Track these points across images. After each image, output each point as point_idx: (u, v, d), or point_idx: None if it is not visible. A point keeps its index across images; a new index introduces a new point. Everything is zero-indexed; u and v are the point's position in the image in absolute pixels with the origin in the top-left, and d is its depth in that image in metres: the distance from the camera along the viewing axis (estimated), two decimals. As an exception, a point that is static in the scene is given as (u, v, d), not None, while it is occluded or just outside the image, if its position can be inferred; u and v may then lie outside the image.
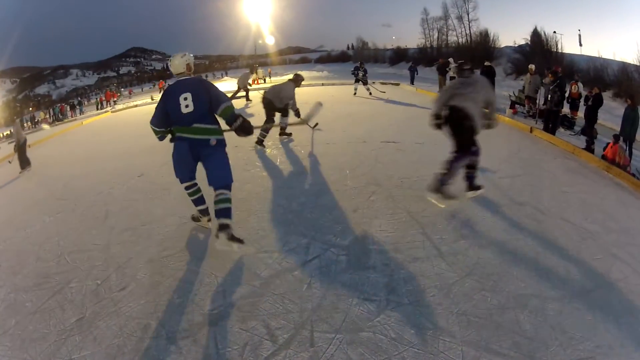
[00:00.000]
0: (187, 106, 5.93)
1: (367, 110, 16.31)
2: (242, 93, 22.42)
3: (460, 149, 7.14)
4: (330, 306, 4.79)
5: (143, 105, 27.52)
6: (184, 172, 6.62)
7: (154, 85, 42.44)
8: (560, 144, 11.15)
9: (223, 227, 5.77)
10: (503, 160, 9.63)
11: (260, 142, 11.63)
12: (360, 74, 21.94)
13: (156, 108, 6.38)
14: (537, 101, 14.67)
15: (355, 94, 22.10)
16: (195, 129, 6.06)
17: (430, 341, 4.21)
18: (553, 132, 12.77)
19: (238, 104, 20.98)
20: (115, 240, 6.94)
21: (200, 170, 6.47)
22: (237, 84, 22.75)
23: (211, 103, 5.99)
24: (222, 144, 6.39)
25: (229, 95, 19.77)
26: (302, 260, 5.73)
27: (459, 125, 7.08)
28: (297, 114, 12.23)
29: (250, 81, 23.51)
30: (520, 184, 8.21)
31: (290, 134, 12.53)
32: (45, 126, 26.19)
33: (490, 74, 17.23)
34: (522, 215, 6.85)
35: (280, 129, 12.31)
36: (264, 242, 6.30)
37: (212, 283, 5.38)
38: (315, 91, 23.78)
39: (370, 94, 21.53)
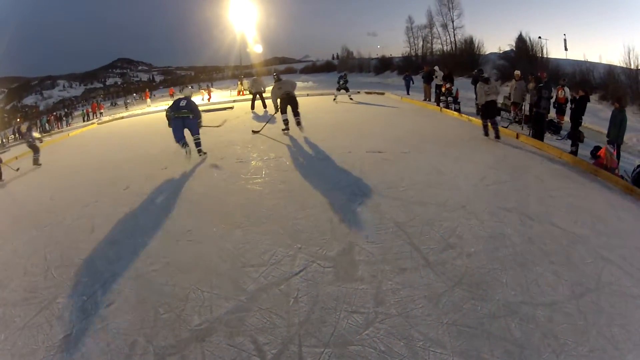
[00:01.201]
0: (182, 105, 11.73)
1: (353, 120, 16.16)
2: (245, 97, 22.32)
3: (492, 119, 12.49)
4: (318, 320, 4.73)
5: (129, 117, 27.26)
6: (180, 136, 11.64)
7: (140, 97, 42.13)
8: (547, 149, 11.13)
9: (199, 150, 12.06)
10: (489, 166, 9.60)
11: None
12: (342, 82, 22.56)
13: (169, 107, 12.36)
14: (523, 107, 14.67)
15: (335, 100, 22.57)
16: (183, 112, 11.67)
17: (421, 353, 4.18)
18: (541, 137, 12.77)
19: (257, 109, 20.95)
20: (101, 254, 6.82)
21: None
22: (250, 90, 22.36)
23: (193, 112, 11.94)
24: (196, 119, 12.04)
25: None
26: (288, 274, 5.66)
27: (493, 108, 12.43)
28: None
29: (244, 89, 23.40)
30: (507, 190, 8.19)
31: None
32: (37, 134, 25.88)
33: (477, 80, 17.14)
34: (510, 221, 6.83)
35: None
36: (249, 256, 6.21)
37: (199, 298, 5.30)
38: (300, 102, 23.52)
39: (351, 99, 22.25)
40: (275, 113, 14.55)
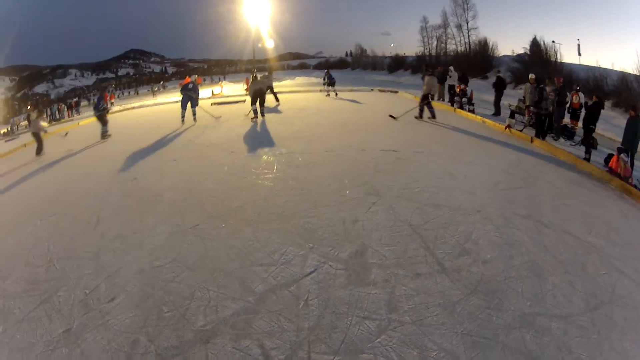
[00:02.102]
0: (190, 87, 17.30)
1: (366, 118, 15.92)
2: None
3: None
4: (328, 325, 4.60)
5: (140, 107, 27.23)
6: (184, 106, 17.15)
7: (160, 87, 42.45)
8: (561, 155, 10.94)
9: (194, 118, 17.39)
10: (503, 170, 9.45)
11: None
12: (326, 79, 24.43)
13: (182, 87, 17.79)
14: (549, 112, 14.38)
15: (328, 94, 24.09)
16: (190, 92, 17.09)
17: (434, 364, 4.01)
18: (543, 137, 12.74)
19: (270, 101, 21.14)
20: (106, 247, 6.70)
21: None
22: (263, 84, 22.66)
23: (195, 92, 17.53)
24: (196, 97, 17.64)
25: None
26: (299, 275, 5.51)
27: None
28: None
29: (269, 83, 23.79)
30: (522, 196, 8.01)
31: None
32: (44, 123, 25.96)
33: (500, 83, 17.30)
34: (526, 228, 6.67)
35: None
36: (259, 255, 6.06)
37: (205, 297, 5.17)
38: (313, 97, 23.63)
39: (336, 94, 23.61)
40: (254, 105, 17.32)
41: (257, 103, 17.11)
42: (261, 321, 4.69)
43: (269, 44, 36.94)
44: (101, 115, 16.73)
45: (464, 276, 5.37)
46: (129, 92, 42.28)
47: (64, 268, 6.20)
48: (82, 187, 10.08)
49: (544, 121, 13.15)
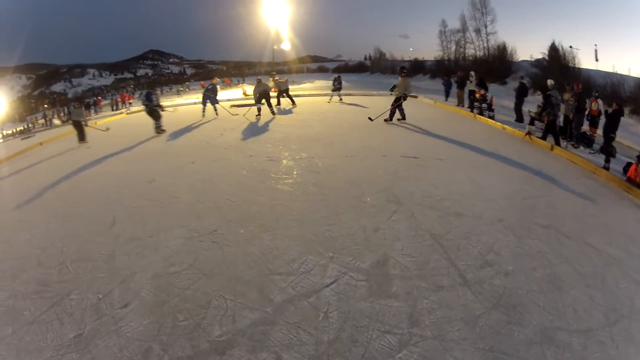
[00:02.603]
0: (209, 88, 20.63)
1: (384, 124, 15.84)
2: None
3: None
4: (348, 339, 4.47)
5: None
6: (205, 103, 20.26)
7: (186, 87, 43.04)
8: (581, 163, 10.83)
9: (216, 112, 20.31)
10: (525, 179, 9.32)
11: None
12: (336, 84, 23.66)
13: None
14: (557, 118, 14.26)
15: (329, 101, 23.96)
16: (209, 92, 20.35)
17: (456, 380, 3.91)
18: (557, 143, 12.63)
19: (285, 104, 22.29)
20: (121, 250, 6.63)
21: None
22: (277, 88, 23.64)
23: (214, 93, 20.56)
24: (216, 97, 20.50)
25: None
26: (318, 285, 5.39)
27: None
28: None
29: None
30: (543, 205, 7.87)
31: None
32: (57, 121, 26.25)
33: (523, 89, 17.25)
34: (547, 239, 6.54)
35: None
36: (278, 263, 5.95)
37: (221, 306, 5.05)
38: (334, 100, 23.61)
39: (340, 99, 23.66)
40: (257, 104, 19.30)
41: (263, 102, 19.16)
42: (279, 333, 4.57)
43: (288, 47, 37.17)
44: (153, 110, 16.87)
45: (486, 289, 5.26)
46: (178, 91, 42.58)
47: (77, 270, 6.13)
48: (97, 186, 10.07)
49: (553, 127, 13.02)
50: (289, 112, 19.33)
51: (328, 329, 4.59)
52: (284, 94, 22.91)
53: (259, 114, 18.97)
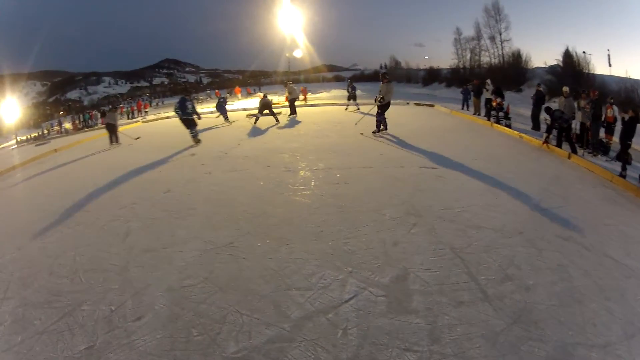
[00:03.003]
0: (220, 101, 22.68)
1: (403, 133, 15.90)
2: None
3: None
4: (367, 357, 4.35)
5: (175, 117, 27.52)
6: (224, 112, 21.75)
7: (202, 98, 43.71)
8: (598, 171, 10.69)
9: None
10: (543, 188, 9.15)
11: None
12: (352, 91, 23.83)
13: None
14: (574, 126, 14.16)
15: (346, 109, 24.03)
16: (221, 101, 22.82)
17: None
18: (574, 150, 12.52)
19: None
20: (134, 262, 6.58)
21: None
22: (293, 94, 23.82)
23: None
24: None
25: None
26: (337, 301, 5.26)
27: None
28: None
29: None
30: (562, 216, 7.70)
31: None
32: (68, 125, 26.69)
33: (540, 97, 17.03)
34: (567, 251, 6.39)
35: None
36: (296, 277, 5.84)
37: (237, 321, 4.95)
38: (351, 110, 23.59)
39: (357, 109, 23.10)
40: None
41: (266, 112, 20.86)
42: (296, 350, 4.45)
43: (300, 54, 37.44)
44: (189, 119, 16.14)
45: (506, 304, 5.13)
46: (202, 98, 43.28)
47: (90, 281, 6.09)
48: (112, 196, 10.07)
49: (567, 134, 13.00)
50: (305, 122, 19.25)
51: (347, 347, 4.48)
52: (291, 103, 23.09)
53: (256, 120, 20.78)
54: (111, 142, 18.53)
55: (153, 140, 17.94)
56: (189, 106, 15.89)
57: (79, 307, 5.43)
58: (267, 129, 18.34)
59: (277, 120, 20.61)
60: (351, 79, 25.82)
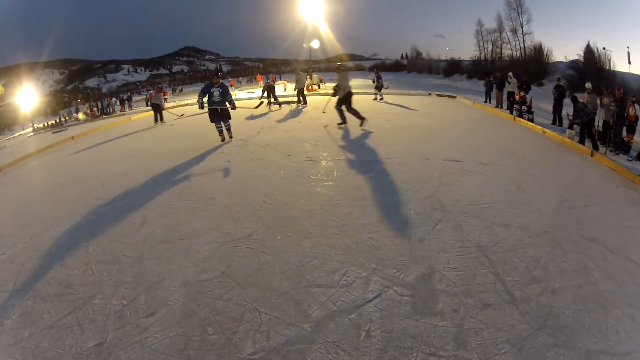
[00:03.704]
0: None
1: (426, 124, 15.77)
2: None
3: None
4: (391, 361, 4.17)
5: (193, 104, 27.57)
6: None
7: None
8: (620, 170, 10.40)
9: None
10: (568, 186, 8.92)
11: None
12: (376, 80, 23.80)
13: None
14: (597, 123, 13.98)
15: (375, 98, 23.81)
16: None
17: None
18: (596, 147, 12.26)
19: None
20: (149, 253, 6.44)
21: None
22: (299, 83, 23.80)
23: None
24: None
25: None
26: (360, 300, 5.06)
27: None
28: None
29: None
30: (587, 217, 7.47)
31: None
32: (82, 116, 27.17)
33: (561, 92, 16.94)
34: (592, 254, 6.16)
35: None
36: (317, 274, 5.63)
37: (255, 320, 4.77)
38: (371, 99, 23.53)
39: (381, 99, 23.47)
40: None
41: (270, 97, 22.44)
42: (317, 352, 4.26)
43: (317, 45, 37.62)
44: (220, 109, 13.51)
45: (533, 308, 4.92)
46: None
47: (102, 273, 5.97)
48: (127, 184, 9.99)
49: (589, 130, 12.87)
50: (331, 111, 19.06)
51: (369, 350, 4.29)
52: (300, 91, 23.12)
53: (260, 105, 21.05)
54: (156, 120, 20.75)
55: (171, 128, 17.87)
56: (218, 93, 13.31)
57: (89, 301, 5.31)
58: (288, 117, 18.26)
59: (279, 106, 22.11)
60: (377, 68, 25.39)
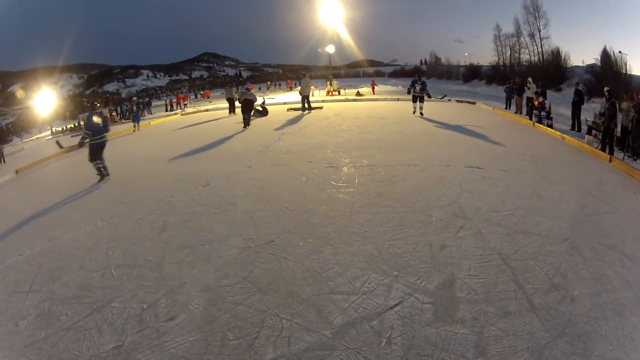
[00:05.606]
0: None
1: (446, 131, 15.86)
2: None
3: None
4: (411, 369, 4.16)
5: (214, 110, 27.73)
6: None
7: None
8: (639, 177, 10.30)
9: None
10: (587, 193, 8.89)
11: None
12: (418, 88, 19.48)
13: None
14: (616, 128, 13.74)
15: (414, 112, 19.87)
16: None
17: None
18: (611, 152, 12.25)
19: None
20: (170, 258, 6.49)
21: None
22: (304, 90, 23.66)
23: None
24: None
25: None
26: (382, 307, 5.05)
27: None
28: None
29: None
30: (606, 223, 7.41)
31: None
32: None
33: (580, 96, 16.95)
34: (611, 261, 6.12)
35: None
36: (339, 280, 5.63)
37: (276, 326, 4.77)
38: (392, 105, 23.64)
39: (421, 114, 19.58)
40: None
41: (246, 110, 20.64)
42: (338, 359, 4.26)
43: (332, 50, 37.95)
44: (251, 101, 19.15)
45: (552, 315, 4.90)
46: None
47: (122, 276, 6.03)
48: (148, 188, 10.12)
49: (611, 136, 12.77)
50: (353, 117, 19.03)
51: (390, 357, 4.28)
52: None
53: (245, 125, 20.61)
54: (230, 112, 25.03)
55: (192, 134, 18.00)
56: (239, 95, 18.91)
57: (108, 304, 5.36)
58: (309, 124, 18.26)
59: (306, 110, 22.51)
60: (418, 73, 23.82)
